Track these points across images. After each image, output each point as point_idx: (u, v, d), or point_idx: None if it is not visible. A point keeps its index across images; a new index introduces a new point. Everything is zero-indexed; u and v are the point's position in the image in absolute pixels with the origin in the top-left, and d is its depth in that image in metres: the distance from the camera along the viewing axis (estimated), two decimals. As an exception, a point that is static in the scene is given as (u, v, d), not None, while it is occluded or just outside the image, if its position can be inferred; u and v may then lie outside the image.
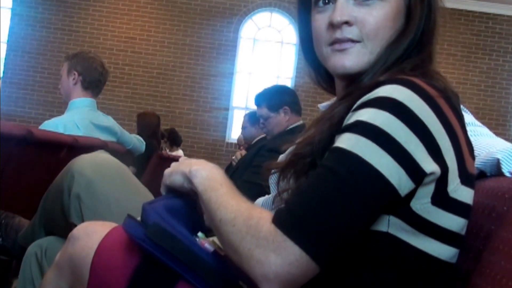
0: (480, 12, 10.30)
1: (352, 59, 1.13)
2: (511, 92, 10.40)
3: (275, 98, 3.74)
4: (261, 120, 3.90)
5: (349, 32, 1.12)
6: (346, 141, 0.95)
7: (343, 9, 1.12)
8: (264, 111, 3.80)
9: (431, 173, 0.96)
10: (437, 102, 0.99)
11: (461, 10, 10.17)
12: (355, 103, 1.02)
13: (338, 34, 1.13)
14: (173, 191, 1.23)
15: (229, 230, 0.97)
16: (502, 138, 1.46)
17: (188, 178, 1.13)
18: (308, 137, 1.12)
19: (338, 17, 1.12)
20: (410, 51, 1.13)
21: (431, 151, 0.96)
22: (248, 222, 0.95)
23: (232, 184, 1.09)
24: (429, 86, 1.01)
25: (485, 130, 1.42)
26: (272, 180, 1.85)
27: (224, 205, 1.01)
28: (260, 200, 1.92)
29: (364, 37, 1.12)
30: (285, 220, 0.92)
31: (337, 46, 1.14)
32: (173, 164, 1.23)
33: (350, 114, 1.00)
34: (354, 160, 0.93)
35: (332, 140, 1.03)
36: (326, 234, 0.91)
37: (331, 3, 1.15)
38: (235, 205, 1.00)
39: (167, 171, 1.22)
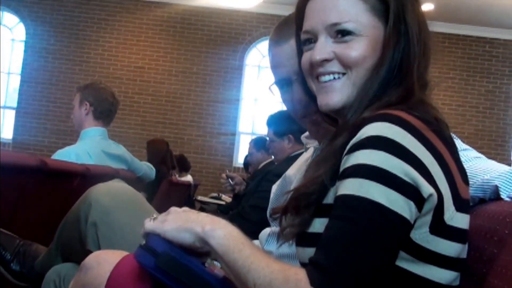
0: (477, 37, 10.32)
1: (336, 95, 1.17)
2: (509, 113, 10.37)
3: (283, 124, 3.74)
4: (268, 141, 3.95)
5: (330, 66, 1.17)
6: (352, 187, 0.96)
7: (322, 48, 1.17)
8: (270, 134, 3.84)
9: (430, 195, 0.96)
10: (424, 134, 1.00)
11: (459, 35, 10.21)
12: (348, 139, 1.03)
13: (321, 70, 1.17)
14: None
15: None
16: (501, 158, 1.46)
17: (203, 239, 1.06)
18: (310, 177, 1.11)
19: (317, 56, 1.17)
20: (386, 83, 1.12)
21: (427, 179, 0.97)
22: (287, 286, 0.93)
23: (250, 240, 1.06)
24: (415, 119, 1.02)
25: (473, 152, 1.42)
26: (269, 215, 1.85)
27: (255, 267, 0.97)
28: (266, 232, 1.92)
29: (347, 68, 1.16)
30: (323, 280, 0.92)
31: (322, 84, 1.18)
32: (174, 215, 1.14)
33: (345, 157, 1.01)
34: (367, 204, 0.94)
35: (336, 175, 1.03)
36: (363, 281, 0.92)
37: (314, 42, 1.19)
38: (266, 267, 0.97)
39: (169, 226, 1.11)
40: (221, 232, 1.05)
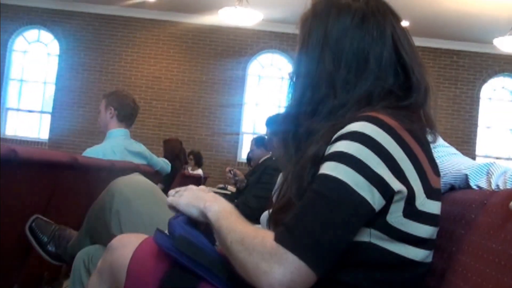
0: (445, 49, 10.32)
1: None
2: (474, 115, 10.38)
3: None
4: (266, 139, 3.97)
5: None
6: (328, 168, 0.97)
7: None
8: (269, 133, 3.85)
9: (399, 191, 0.97)
10: (398, 133, 1.01)
11: (430, 47, 10.19)
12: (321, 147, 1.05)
13: None
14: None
15: (238, 249, 0.97)
16: (467, 153, 1.47)
17: (203, 213, 1.11)
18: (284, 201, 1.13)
19: None
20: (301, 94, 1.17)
21: (396, 173, 0.97)
22: (254, 241, 0.95)
23: (240, 214, 1.08)
24: (391, 119, 1.02)
25: (452, 149, 1.44)
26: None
27: (234, 229, 1.01)
28: (265, 215, 1.92)
29: None
30: (285, 236, 0.93)
31: None
32: (189, 192, 1.20)
33: (328, 146, 1.02)
34: (335, 182, 0.95)
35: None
36: (319, 245, 0.92)
37: None
38: (242, 228, 1.00)
39: (183, 200, 1.18)
40: (217, 207, 1.09)
